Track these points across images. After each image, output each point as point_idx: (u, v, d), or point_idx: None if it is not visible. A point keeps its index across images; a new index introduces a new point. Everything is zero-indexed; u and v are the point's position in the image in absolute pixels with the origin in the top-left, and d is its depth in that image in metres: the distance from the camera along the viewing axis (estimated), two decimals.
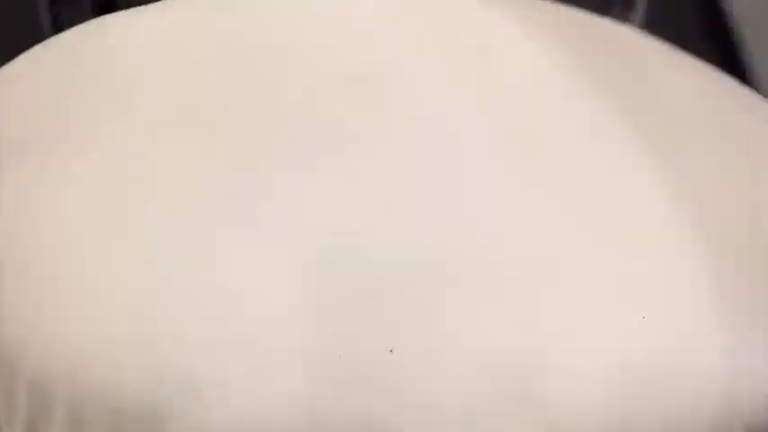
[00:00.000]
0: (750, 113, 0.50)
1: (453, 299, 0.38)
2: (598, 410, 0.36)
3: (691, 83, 0.49)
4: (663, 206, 0.43)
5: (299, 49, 0.47)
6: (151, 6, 0.50)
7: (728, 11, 0.78)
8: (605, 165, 0.45)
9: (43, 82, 0.45)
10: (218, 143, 0.43)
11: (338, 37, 0.47)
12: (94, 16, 0.55)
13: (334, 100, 0.45)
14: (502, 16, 0.50)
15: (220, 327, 0.37)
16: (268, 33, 0.48)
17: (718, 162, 0.46)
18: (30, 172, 0.41)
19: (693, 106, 0.48)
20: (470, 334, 0.37)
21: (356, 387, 0.36)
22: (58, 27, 0.62)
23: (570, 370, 0.37)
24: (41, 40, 0.50)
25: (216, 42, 0.47)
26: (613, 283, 0.40)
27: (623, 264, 0.40)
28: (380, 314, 0.38)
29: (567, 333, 0.38)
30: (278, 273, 0.38)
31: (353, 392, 0.36)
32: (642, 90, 0.48)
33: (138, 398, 0.37)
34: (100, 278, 0.38)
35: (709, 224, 0.43)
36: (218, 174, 0.41)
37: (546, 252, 0.40)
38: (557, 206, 0.42)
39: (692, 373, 0.38)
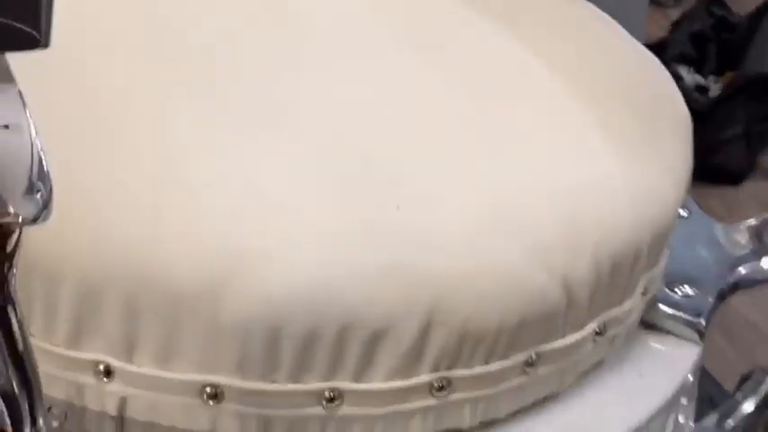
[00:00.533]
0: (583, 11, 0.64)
1: (436, 162, 0.49)
2: (559, 226, 0.49)
3: None
4: (541, 76, 0.56)
5: None
6: None
7: None
8: (488, 49, 0.57)
9: None
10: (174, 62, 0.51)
11: None
12: None
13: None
14: None
15: (258, 209, 0.46)
16: None
17: (566, 38, 0.59)
18: None
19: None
20: (459, 186, 0.49)
21: (379, 238, 0.46)
22: None
23: (535, 199, 0.49)
24: None
25: None
26: (537, 137, 0.52)
27: (540, 124, 0.53)
28: (382, 182, 0.48)
29: (524, 176, 0.50)
30: (292, 161, 0.48)
31: (378, 243, 0.46)
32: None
33: (192, 279, 0.44)
34: (133, 178, 0.46)
35: (578, 83, 0.56)
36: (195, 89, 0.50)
37: (478, 121, 0.52)
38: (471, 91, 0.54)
39: (605, 195, 0.51)
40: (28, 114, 0.33)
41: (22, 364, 0.35)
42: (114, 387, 0.46)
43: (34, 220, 0.32)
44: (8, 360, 0.35)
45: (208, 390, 0.46)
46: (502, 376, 0.49)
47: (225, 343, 0.45)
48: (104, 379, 0.46)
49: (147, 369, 0.46)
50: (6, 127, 0.34)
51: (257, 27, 0.55)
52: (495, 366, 0.48)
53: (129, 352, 0.46)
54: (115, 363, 0.46)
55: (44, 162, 0.33)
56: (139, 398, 0.46)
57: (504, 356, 0.48)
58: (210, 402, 0.46)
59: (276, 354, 0.45)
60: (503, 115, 0.53)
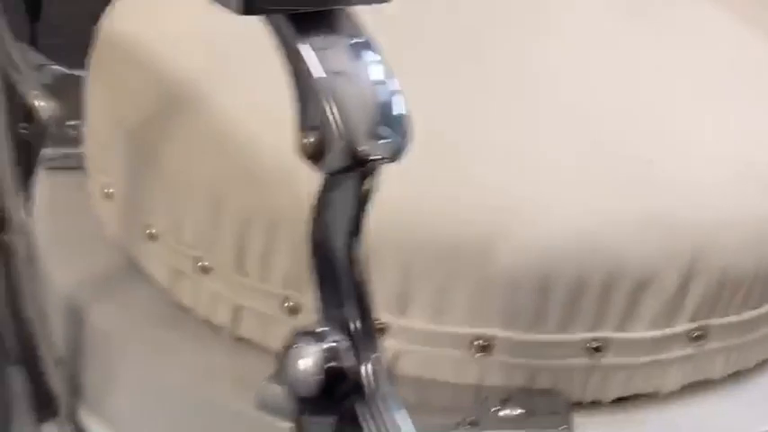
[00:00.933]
0: None
1: (682, 119, 0.51)
2: None
3: None
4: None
5: None
6: None
7: None
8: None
9: None
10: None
11: None
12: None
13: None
14: None
15: (523, 168, 0.48)
16: None
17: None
18: None
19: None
20: (707, 140, 0.51)
21: (638, 190, 0.48)
22: None
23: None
24: None
25: None
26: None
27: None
28: (633, 139, 0.50)
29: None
30: (549, 126, 0.50)
31: (638, 195, 0.48)
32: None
33: (464, 235, 0.47)
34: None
35: None
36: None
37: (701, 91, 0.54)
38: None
39: None
40: (370, 61, 0.35)
41: (363, 300, 0.37)
42: (387, 343, 0.48)
43: (392, 160, 0.34)
44: (351, 296, 0.37)
45: (478, 342, 0.48)
46: (754, 325, 0.50)
47: (496, 295, 0.47)
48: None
49: (421, 324, 0.48)
50: (339, 74, 0.36)
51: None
52: (748, 315, 0.50)
53: (402, 308, 0.48)
54: (389, 319, 0.48)
55: (393, 109, 0.35)
56: (412, 353, 0.48)
57: (758, 305, 0.50)
58: (480, 355, 0.48)
59: (545, 304, 0.47)
60: (737, 76, 0.55)
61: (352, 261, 0.37)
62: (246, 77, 0.52)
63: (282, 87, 0.53)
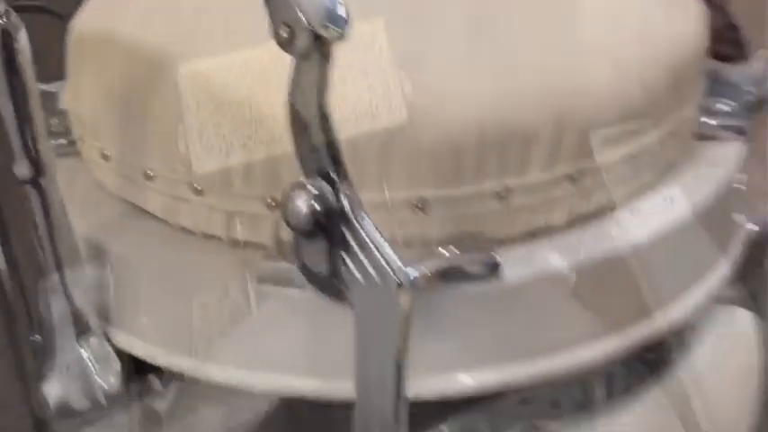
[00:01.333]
0: None
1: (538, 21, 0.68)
2: (637, 44, 0.68)
3: None
4: None
5: None
6: None
7: None
8: None
9: None
10: None
11: None
12: None
13: None
14: None
15: (435, 72, 0.64)
16: None
17: None
18: None
19: None
20: (555, 29, 0.68)
21: (520, 70, 0.65)
22: None
23: (618, 24, 0.68)
24: None
25: None
26: None
27: None
28: (509, 40, 0.67)
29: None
30: (448, 41, 0.66)
31: (521, 75, 0.64)
32: None
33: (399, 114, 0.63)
34: None
35: None
36: None
37: None
38: None
39: (676, 16, 0.71)
40: None
41: (335, 151, 0.53)
42: None
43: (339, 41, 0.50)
44: (325, 149, 0.52)
45: (416, 202, 0.63)
46: (615, 164, 0.67)
47: (424, 163, 0.63)
48: None
49: (370, 196, 0.63)
50: None
51: None
52: (611, 156, 0.67)
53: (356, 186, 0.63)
54: None
55: (336, 10, 0.50)
56: None
57: (615, 148, 0.67)
58: (420, 212, 0.64)
59: (460, 165, 0.63)
60: None
61: (322, 120, 0.52)
62: (207, 42, 0.68)
63: (235, 44, 0.68)
